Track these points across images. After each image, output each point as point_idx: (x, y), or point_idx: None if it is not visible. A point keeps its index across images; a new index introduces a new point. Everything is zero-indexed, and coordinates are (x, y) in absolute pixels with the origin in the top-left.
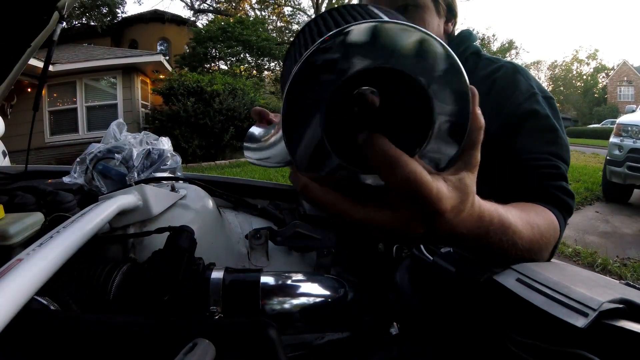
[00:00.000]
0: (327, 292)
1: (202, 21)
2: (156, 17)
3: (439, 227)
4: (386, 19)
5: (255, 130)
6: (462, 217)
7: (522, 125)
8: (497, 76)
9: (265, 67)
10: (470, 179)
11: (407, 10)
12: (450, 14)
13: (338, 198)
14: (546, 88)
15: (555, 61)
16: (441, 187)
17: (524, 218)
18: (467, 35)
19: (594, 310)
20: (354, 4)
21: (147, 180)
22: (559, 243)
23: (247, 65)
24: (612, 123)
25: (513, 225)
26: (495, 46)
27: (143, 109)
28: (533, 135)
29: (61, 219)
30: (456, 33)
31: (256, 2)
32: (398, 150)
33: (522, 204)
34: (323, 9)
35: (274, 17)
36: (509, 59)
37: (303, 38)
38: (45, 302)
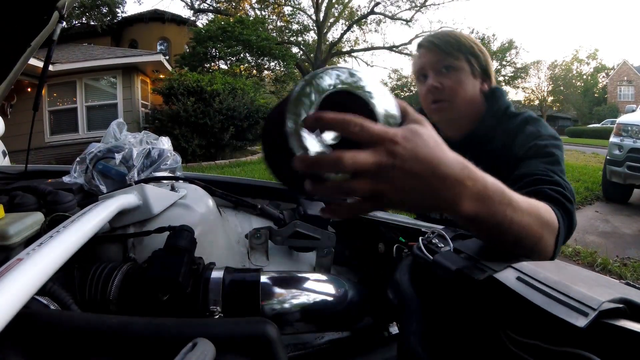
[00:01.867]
0: (326, 292)
1: (202, 21)
2: (156, 17)
3: (402, 151)
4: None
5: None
6: (429, 144)
7: (527, 154)
8: (516, 127)
9: (265, 66)
10: (416, 127)
11: (448, 71)
12: (486, 76)
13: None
14: (547, 87)
15: (555, 61)
16: (388, 127)
17: (522, 197)
18: (499, 95)
19: (594, 309)
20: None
21: (147, 180)
22: (559, 240)
23: (247, 65)
24: (612, 123)
25: (513, 196)
26: (495, 46)
27: (143, 109)
28: (534, 160)
29: (61, 219)
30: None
31: (256, 2)
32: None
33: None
34: (323, 9)
35: (274, 17)
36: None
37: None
38: (45, 302)
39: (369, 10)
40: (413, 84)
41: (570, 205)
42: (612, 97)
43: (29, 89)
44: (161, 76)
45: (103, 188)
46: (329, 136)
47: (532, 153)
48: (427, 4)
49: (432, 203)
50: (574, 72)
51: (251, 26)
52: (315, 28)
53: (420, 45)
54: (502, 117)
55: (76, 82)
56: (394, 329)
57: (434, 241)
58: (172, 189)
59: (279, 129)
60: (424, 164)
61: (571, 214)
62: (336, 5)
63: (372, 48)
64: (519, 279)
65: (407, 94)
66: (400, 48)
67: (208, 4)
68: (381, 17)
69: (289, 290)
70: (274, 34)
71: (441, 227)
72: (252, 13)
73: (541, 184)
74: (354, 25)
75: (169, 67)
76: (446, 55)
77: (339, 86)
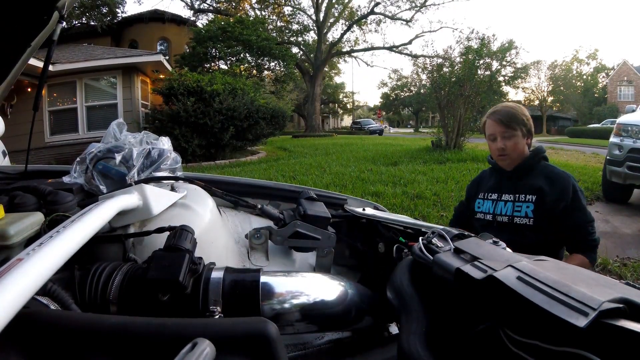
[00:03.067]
0: (327, 292)
1: (202, 21)
2: (156, 17)
3: None
4: None
5: None
6: None
7: (574, 206)
8: (556, 177)
9: (265, 67)
10: None
11: (509, 137)
12: (529, 134)
13: None
14: (547, 87)
15: (555, 61)
16: None
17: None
18: (540, 148)
19: (594, 309)
20: None
21: (147, 180)
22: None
23: (247, 65)
24: (612, 123)
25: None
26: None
27: (143, 109)
28: (579, 214)
29: (61, 219)
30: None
31: (256, 2)
32: None
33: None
34: (323, 9)
35: (274, 17)
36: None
37: None
38: (45, 302)
39: (369, 10)
40: (413, 84)
41: (597, 246)
42: (612, 97)
43: (29, 89)
44: (161, 76)
45: (103, 188)
46: None
47: (576, 206)
48: (427, 4)
49: None
50: (574, 72)
51: (251, 26)
52: (315, 28)
53: (490, 116)
54: (542, 163)
55: (76, 82)
56: (394, 329)
57: (434, 241)
58: (172, 189)
59: None
60: None
61: (596, 250)
62: (336, 5)
63: (372, 48)
64: (519, 278)
65: (407, 94)
66: (400, 48)
67: (208, 4)
68: (381, 17)
69: (289, 290)
70: (274, 34)
71: (441, 227)
72: (252, 13)
73: (586, 235)
74: (354, 26)
75: (169, 67)
76: (508, 127)
77: None
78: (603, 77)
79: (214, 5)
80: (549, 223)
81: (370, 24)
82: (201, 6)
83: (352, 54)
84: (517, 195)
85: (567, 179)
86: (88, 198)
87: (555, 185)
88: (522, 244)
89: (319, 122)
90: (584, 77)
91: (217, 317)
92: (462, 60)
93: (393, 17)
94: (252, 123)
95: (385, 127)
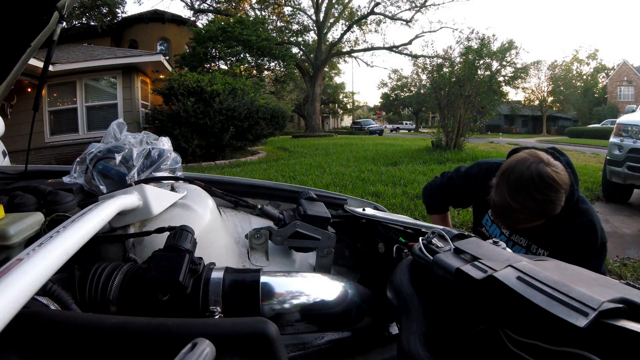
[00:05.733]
0: (327, 292)
1: (202, 21)
2: (156, 17)
3: None
4: None
5: None
6: None
7: (592, 264)
8: (584, 225)
9: (265, 67)
10: None
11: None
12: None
13: None
14: (547, 88)
15: (555, 61)
16: None
17: None
18: (574, 182)
19: (594, 309)
20: None
21: (147, 180)
22: None
23: (247, 65)
24: (612, 123)
25: None
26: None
27: (143, 109)
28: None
29: (61, 219)
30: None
31: (256, 2)
32: None
33: None
34: (323, 9)
35: (274, 17)
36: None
37: None
38: (45, 302)
39: (369, 11)
40: (413, 84)
41: None
42: (612, 97)
43: (29, 89)
44: (161, 76)
45: (103, 188)
46: None
47: (598, 261)
48: (427, 4)
49: None
50: (574, 72)
51: (251, 26)
52: (315, 28)
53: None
54: (576, 210)
55: (76, 82)
56: (394, 329)
57: (434, 241)
58: (172, 189)
59: None
60: None
61: None
62: (336, 6)
63: (372, 48)
64: (519, 278)
65: (407, 94)
66: (400, 48)
67: (208, 4)
68: (381, 17)
69: (289, 290)
70: (274, 34)
71: (441, 227)
72: (252, 13)
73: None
74: (354, 26)
75: (169, 67)
76: (513, 230)
77: None
78: (603, 77)
79: (214, 5)
80: None
81: (370, 24)
82: (201, 6)
83: (352, 54)
84: (531, 244)
85: (592, 230)
86: (88, 198)
87: (574, 238)
88: None
89: (319, 122)
90: (584, 77)
91: (217, 317)
92: (462, 60)
93: (393, 17)
94: (252, 123)
95: (385, 127)
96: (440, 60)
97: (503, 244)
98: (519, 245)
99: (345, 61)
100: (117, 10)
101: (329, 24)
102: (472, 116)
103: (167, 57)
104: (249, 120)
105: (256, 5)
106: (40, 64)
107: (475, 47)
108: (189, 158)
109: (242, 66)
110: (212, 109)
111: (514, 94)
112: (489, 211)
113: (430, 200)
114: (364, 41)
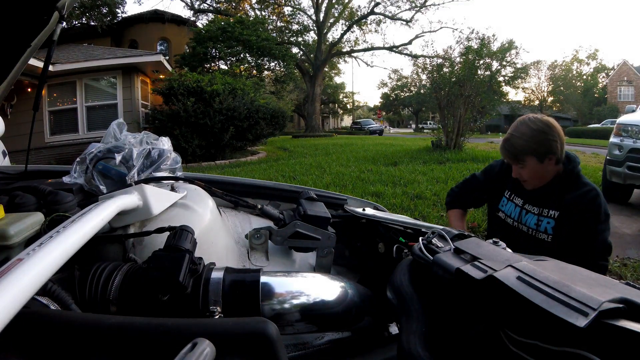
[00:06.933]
0: (327, 292)
1: (202, 21)
2: (156, 17)
3: None
4: None
5: None
6: None
7: (597, 229)
8: (589, 192)
9: (265, 67)
10: None
11: (522, 167)
12: (550, 154)
13: None
14: (547, 88)
15: (555, 61)
16: None
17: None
18: (573, 157)
19: (594, 309)
20: None
21: (147, 180)
22: None
23: (247, 65)
24: (612, 123)
25: None
26: (495, 46)
27: (143, 109)
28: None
29: (61, 219)
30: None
31: (256, 2)
32: None
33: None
34: (323, 9)
35: (274, 17)
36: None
37: None
38: (45, 302)
39: (369, 11)
40: (413, 84)
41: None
42: (612, 97)
43: (29, 89)
44: (161, 76)
45: (103, 188)
46: None
47: (598, 228)
48: (427, 4)
49: None
50: (574, 72)
51: (251, 26)
52: (315, 28)
53: (501, 145)
54: (575, 182)
55: (76, 82)
56: (394, 329)
57: (434, 241)
58: (172, 189)
59: None
60: None
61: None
62: (336, 6)
63: (372, 48)
64: (519, 278)
65: (407, 94)
66: (400, 48)
67: (208, 4)
68: (381, 17)
69: (289, 290)
70: (274, 34)
71: (441, 227)
72: (252, 13)
73: (599, 261)
74: (354, 26)
75: (169, 67)
76: (515, 160)
77: None
78: (603, 77)
79: (214, 5)
80: (569, 243)
81: (370, 24)
82: (201, 6)
83: (352, 54)
84: (541, 209)
85: (597, 199)
86: (88, 198)
87: (582, 204)
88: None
89: (319, 122)
90: (584, 77)
91: (217, 317)
92: (462, 60)
93: (393, 17)
94: (252, 123)
95: (385, 127)
96: (440, 60)
97: (503, 244)
98: (531, 214)
99: (345, 61)
100: (117, 10)
101: (329, 24)
102: (472, 116)
103: (167, 57)
104: (249, 120)
105: (256, 5)
106: (40, 64)
107: (475, 47)
108: (189, 158)
109: (242, 66)
110: (212, 109)
111: (514, 94)
112: (506, 192)
113: (452, 195)
114: (364, 41)
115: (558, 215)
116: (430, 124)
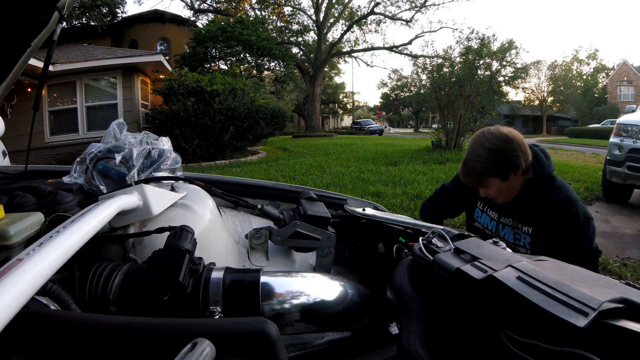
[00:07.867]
0: (327, 292)
1: (202, 21)
2: (156, 17)
3: None
4: None
5: None
6: None
7: (575, 238)
8: (559, 201)
9: (265, 67)
10: None
11: (487, 187)
12: (513, 170)
13: None
14: (547, 88)
15: (555, 61)
16: None
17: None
18: (542, 158)
19: (594, 309)
20: None
21: (147, 180)
22: None
23: (247, 65)
24: (612, 123)
25: None
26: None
27: (143, 109)
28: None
29: (61, 219)
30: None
31: (256, 2)
32: None
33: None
34: (323, 9)
35: (274, 17)
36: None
37: None
38: (45, 302)
39: (369, 11)
40: (413, 84)
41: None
42: (612, 97)
43: (29, 89)
44: (161, 76)
45: (103, 188)
46: None
47: (577, 237)
48: (427, 4)
49: None
50: (574, 72)
51: (251, 26)
52: (315, 28)
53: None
54: (549, 186)
55: (76, 82)
56: (394, 329)
57: (433, 241)
58: (172, 189)
59: None
60: None
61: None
62: (336, 6)
63: (372, 48)
64: (519, 278)
65: (407, 94)
66: (400, 48)
67: (208, 4)
68: (381, 17)
69: (289, 290)
70: (274, 34)
71: (441, 227)
72: (252, 13)
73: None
74: (354, 26)
75: (169, 67)
76: (478, 184)
77: None
78: (603, 77)
79: (214, 5)
80: (550, 255)
81: (370, 24)
82: (201, 6)
83: (352, 54)
84: (516, 223)
85: (568, 205)
86: (88, 198)
87: (552, 215)
88: None
89: (319, 122)
90: (584, 77)
91: (217, 317)
92: (462, 60)
93: (393, 17)
94: (252, 123)
95: (386, 127)
96: (440, 60)
97: (503, 244)
98: (508, 227)
99: (345, 61)
100: (117, 10)
101: (329, 24)
102: (472, 116)
103: (167, 57)
104: (249, 120)
105: (256, 5)
106: (40, 64)
107: (475, 47)
108: (189, 158)
109: (242, 66)
110: (212, 109)
111: (514, 94)
112: (478, 203)
113: (423, 208)
114: (364, 41)
115: (532, 231)
116: (434, 127)
